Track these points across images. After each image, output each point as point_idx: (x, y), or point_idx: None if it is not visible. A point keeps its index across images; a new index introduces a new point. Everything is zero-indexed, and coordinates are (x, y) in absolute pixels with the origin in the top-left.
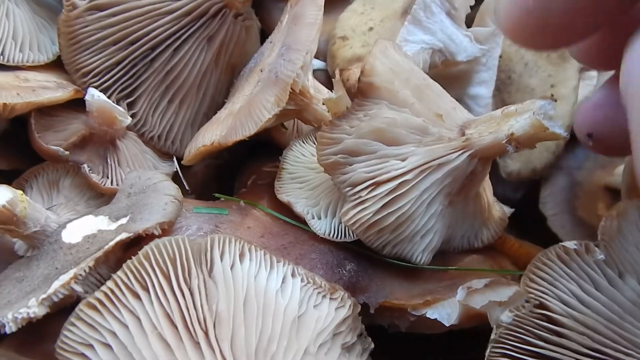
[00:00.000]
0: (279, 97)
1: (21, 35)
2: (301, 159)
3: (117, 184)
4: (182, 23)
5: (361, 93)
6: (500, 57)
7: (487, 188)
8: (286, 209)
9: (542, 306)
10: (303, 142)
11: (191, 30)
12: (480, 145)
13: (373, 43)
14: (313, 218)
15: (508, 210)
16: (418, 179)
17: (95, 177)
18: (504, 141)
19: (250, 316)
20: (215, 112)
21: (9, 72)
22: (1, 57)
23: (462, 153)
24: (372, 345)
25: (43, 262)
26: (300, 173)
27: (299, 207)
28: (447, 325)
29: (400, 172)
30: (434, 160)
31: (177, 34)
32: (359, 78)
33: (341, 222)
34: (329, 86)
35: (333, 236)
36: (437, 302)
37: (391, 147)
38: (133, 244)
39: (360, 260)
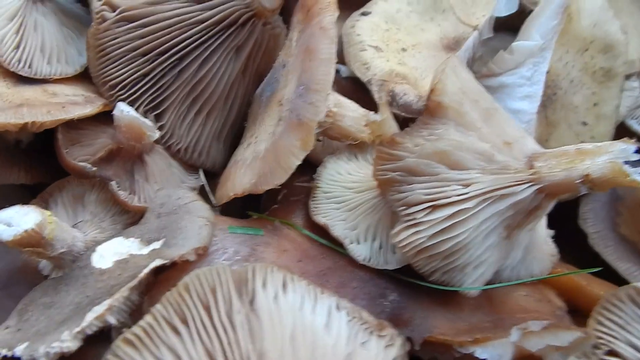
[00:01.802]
0: (305, 141)
1: (49, 47)
2: (337, 177)
3: (145, 201)
4: (210, 33)
5: (428, 111)
6: (548, 72)
7: (542, 221)
8: (321, 229)
9: (612, 353)
10: (337, 159)
11: (220, 40)
12: (550, 181)
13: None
14: (352, 243)
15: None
16: (479, 208)
17: (123, 194)
18: (577, 181)
19: (299, 356)
20: (241, 124)
21: (37, 86)
22: (29, 70)
23: (529, 186)
24: None
25: (73, 288)
26: (337, 192)
27: (337, 231)
28: None
29: (461, 198)
30: (497, 190)
31: (206, 45)
32: (428, 96)
33: (381, 248)
34: (353, 95)
35: (374, 263)
36: (488, 341)
37: (454, 171)
38: (163, 268)
39: (401, 289)
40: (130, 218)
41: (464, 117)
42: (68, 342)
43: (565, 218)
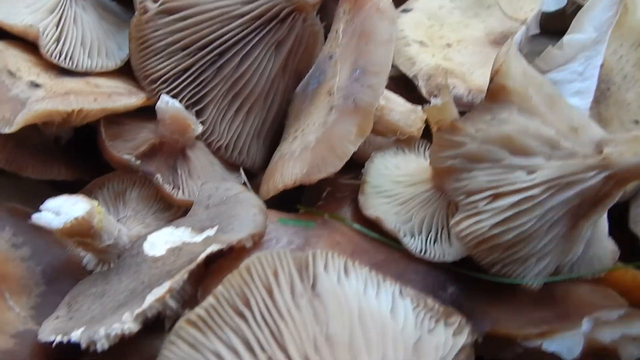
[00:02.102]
0: (362, 127)
1: (89, 41)
2: (385, 172)
3: (189, 196)
4: (251, 28)
5: (491, 95)
6: (602, 65)
7: (604, 215)
8: (372, 224)
9: None
10: (384, 154)
11: (260, 35)
12: (621, 167)
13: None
14: (405, 236)
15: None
16: (544, 196)
17: (168, 188)
18: None
19: (370, 340)
20: (280, 123)
21: (79, 79)
22: (70, 62)
23: (598, 173)
24: None
25: (125, 275)
26: (386, 187)
27: (390, 224)
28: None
29: (526, 186)
30: (564, 177)
31: (246, 39)
32: (491, 79)
33: (437, 240)
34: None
35: (430, 255)
36: (556, 333)
37: (518, 157)
38: (215, 259)
39: (460, 282)
40: (172, 215)
41: (529, 101)
42: (129, 323)
43: (613, 219)
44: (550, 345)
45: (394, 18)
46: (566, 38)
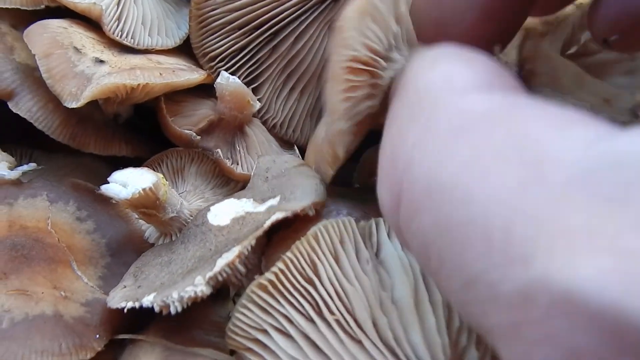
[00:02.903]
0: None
1: (149, 20)
2: None
3: (248, 170)
4: (305, 7)
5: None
6: None
7: None
8: None
9: None
10: None
11: (314, 14)
12: None
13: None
14: None
15: None
16: None
17: (227, 163)
18: None
19: (436, 302)
20: None
21: (141, 55)
22: (132, 40)
23: None
24: None
25: (192, 244)
26: None
27: None
28: None
29: None
30: None
31: (300, 19)
32: (521, 67)
33: None
34: None
35: None
36: None
37: None
38: (275, 230)
39: None
40: (230, 190)
41: (558, 82)
42: (202, 286)
43: None
44: None
45: (349, 40)
46: None
